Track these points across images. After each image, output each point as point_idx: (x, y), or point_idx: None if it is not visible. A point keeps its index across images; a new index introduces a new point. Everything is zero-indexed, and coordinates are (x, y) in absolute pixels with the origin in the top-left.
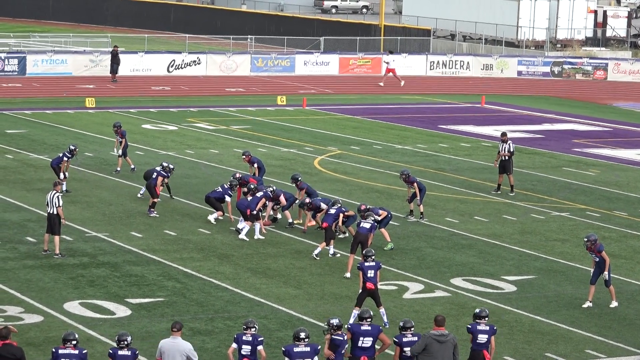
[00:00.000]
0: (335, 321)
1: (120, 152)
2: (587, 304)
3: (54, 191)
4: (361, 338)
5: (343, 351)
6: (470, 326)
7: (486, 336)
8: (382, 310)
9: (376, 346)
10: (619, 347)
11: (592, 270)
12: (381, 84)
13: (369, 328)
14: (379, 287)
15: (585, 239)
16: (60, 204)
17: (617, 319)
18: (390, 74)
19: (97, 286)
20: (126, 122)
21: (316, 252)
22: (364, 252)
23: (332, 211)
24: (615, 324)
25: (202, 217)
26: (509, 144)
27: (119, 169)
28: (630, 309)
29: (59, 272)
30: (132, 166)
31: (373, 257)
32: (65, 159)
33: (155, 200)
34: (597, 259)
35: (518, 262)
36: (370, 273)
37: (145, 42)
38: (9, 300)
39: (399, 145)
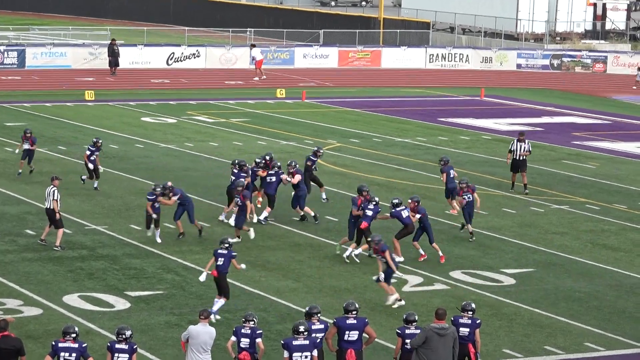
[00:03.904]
0: (307, 308)
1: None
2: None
3: (51, 186)
4: (347, 331)
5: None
6: (453, 319)
7: (467, 329)
8: (217, 299)
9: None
10: (617, 340)
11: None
12: (256, 78)
13: (355, 321)
14: (226, 275)
15: (369, 239)
16: (55, 197)
17: (616, 312)
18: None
19: (96, 279)
20: (125, 115)
21: (356, 252)
22: (221, 239)
23: (369, 213)
24: (615, 317)
25: (202, 209)
26: (527, 143)
27: (20, 171)
28: (630, 302)
29: (58, 264)
30: (20, 171)
31: (227, 245)
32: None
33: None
34: (383, 260)
35: (517, 255)
36: (220, 261)
37: (144, 35)
38: (9, 293)
39: (398, 138)
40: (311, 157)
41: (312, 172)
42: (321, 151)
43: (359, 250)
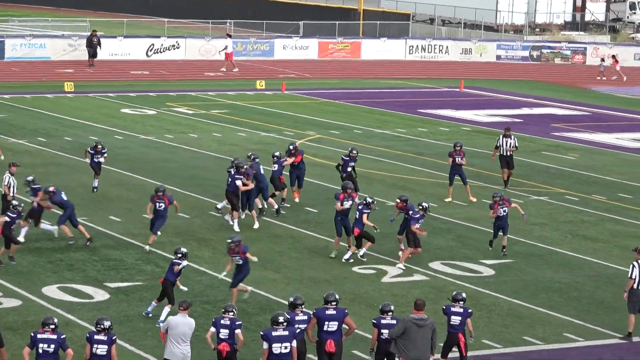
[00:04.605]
0: (291, 299)
1: None
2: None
3: (7, 172)
4: (326, 322)
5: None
6: (444, 308)
7: (459, 318)
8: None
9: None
10: (596, 331)
11: None
12: (236, 69)
13: (334, 312)
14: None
15: (229, 240)
16: (6, 183)
17: (595, 303)
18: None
19: (75, 270)
20: (105, 107)
21: (361, 253)
22: (175, 249)
23: (359, 215)
24: (593, 308)
25: (180, 200)
26: (514, 139)
27: None
28: (608, 292)
29: (37, 256)
30: None
31: (179, 255)
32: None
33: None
34: (240, 261)
35: (496, 245)
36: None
37: (124, 27)
38: None
39: (378, 130)
40: (343, 157)
41: (349, 173)
42: (355, 152)
43: (363, 251)
